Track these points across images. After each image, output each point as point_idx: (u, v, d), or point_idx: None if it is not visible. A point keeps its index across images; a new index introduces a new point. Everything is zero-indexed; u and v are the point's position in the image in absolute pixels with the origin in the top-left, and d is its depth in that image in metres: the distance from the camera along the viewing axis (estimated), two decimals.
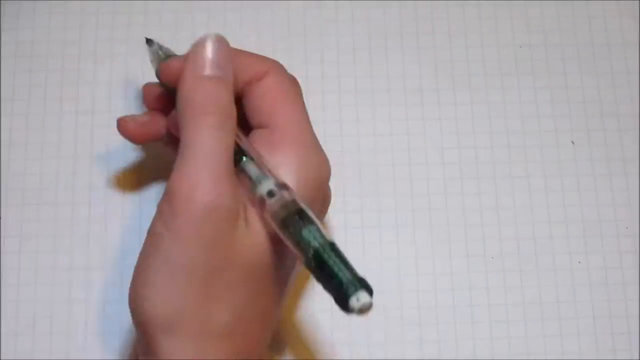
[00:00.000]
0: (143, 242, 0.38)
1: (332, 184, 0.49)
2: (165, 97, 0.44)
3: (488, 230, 0.48)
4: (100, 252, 0.47)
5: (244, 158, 0.38)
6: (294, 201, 0.36)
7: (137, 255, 0.47)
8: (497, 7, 0.52)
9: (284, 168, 0.39)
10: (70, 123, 0.49)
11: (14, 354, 0.46)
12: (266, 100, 0.40)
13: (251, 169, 0.38)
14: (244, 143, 0.39)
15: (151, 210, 0.48)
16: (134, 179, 0.49)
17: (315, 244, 0.35)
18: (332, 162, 0.49)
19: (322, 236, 0.35)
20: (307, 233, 0.35)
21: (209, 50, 0.39)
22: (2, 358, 0.46)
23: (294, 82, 0.42)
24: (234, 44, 0.52)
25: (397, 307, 0.47)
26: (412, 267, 0.48)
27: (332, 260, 0.34)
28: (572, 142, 0.50)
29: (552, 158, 0.50)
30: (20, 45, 0.50)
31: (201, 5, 0.51)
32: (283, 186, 0.37)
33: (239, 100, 0.40)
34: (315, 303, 0.47)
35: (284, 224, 0.36)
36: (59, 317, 0.46)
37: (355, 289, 0.33)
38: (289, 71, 0.42)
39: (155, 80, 0.42)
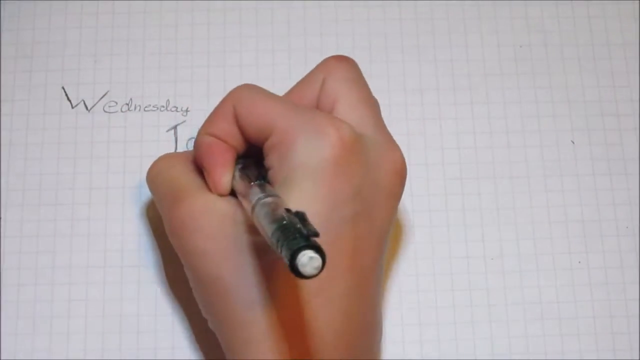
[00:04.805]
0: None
1: None
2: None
3: (488, 231, 0.48)
4: (100, 252, 0.47)
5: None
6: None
7: (136, 254, 0.47)
8: (497, 6, 0.52)
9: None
10: (70, 123, 0.49)
11: (14, 354, 0.46)
12: None
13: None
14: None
15: (150, 210, 0.48)
16: (134, 179, 0.49)
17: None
18: None
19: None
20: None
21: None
22: (2, 358, 0.46)
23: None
24: (234, 43, 0.52)
25: (397, 307, 0.47)
26: (413, 267, 0.48)
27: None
28: (572, 142, 0.50)
29: (552, 158, 0.50)
30: (21, 46, 0.50)
31: (201, 5, 0.51)
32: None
33: None
34: None
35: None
36: (59, 317, 0.46)
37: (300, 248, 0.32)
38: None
39: None
